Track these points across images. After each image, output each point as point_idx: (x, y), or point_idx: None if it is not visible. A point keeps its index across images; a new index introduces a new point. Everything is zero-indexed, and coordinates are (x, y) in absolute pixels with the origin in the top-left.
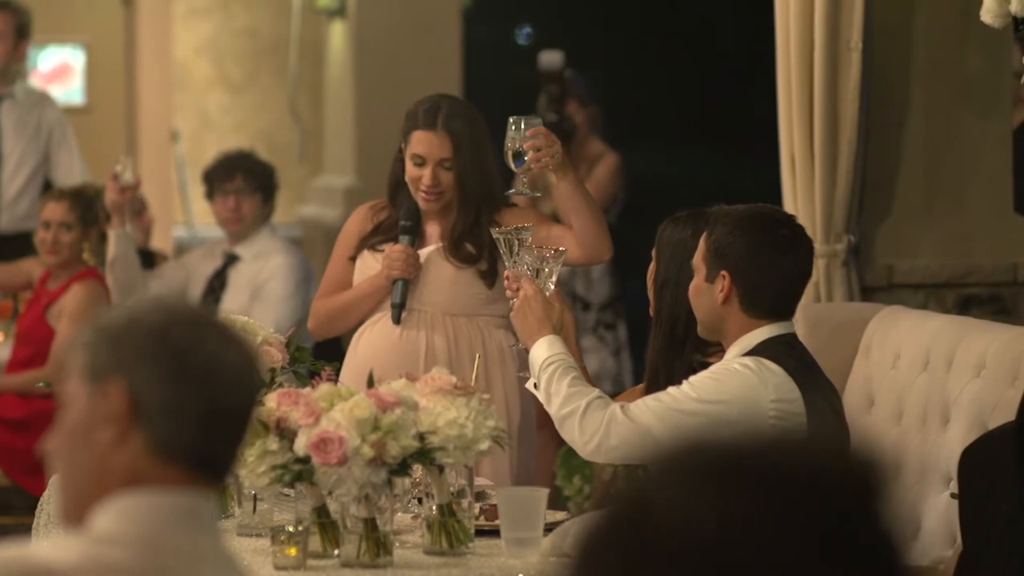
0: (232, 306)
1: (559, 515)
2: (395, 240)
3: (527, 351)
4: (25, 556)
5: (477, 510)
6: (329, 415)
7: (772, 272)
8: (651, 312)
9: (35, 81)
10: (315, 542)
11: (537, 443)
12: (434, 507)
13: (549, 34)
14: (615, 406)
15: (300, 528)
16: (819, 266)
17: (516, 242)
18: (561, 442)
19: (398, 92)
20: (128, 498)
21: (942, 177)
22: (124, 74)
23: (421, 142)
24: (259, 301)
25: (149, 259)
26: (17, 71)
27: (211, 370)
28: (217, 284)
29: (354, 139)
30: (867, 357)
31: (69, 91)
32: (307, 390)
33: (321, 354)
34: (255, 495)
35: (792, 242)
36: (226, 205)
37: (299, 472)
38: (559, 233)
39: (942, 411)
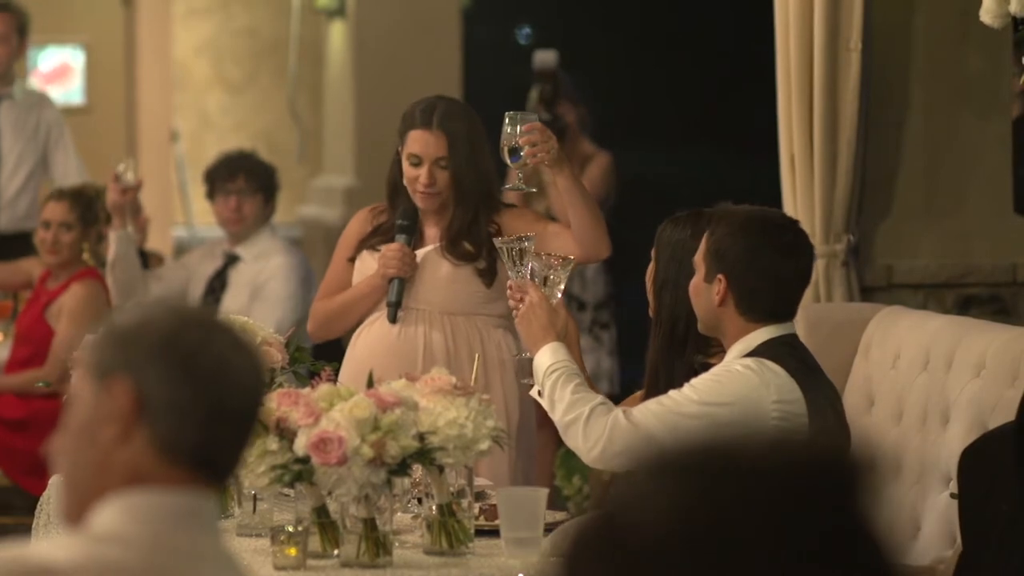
0: (232, 306)
1: (559, 515)
2: (392, 240)
3: (531, 360)
4: (24, 555)
5: (477, 510)
6: (329, 415)
7: (770, 276)
8: (651, 313)
9: (35, 81)
10: (315, 542)
11: (537, 443)
12: (434, 507)
13: (548, 34)
14: (618, 411)
15: (300, 528)
16: (819, 266)
17: (519, 251)
18: (560, 442)
19: (398, 92)
20: (129, 497)
21: (942, 177)
22: (124, 74)
23: (417, 141)
24: (259, 301)
25: (144, 260)
26: (16, 71)
27: (218, 372)
28: (217, 284)
29: (354, 139)
30: (867, 357)
31: (69, 91)
32: (307, 390)
33: (321, 354)
34: (255, 495)
35: (794, 247)
36: (227, 205)
37: (299, 472)
38: (555, 230)
39: (942, 411)
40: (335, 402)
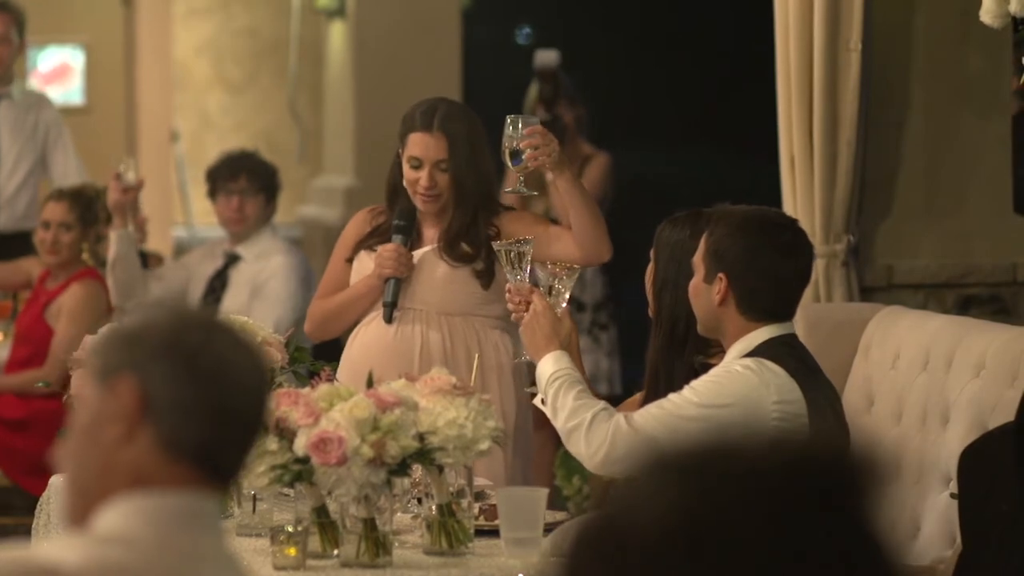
0: (232, 306)
1: (559, 515)
2: (390, 240)
3: (527, 364)
4: (29, 557)
5: (477, 510)
6: (328, 415)
7: (770, 276)
8: (650, 313)
9: (35, 81)
10: (315, 542)
11: (536, 443)
12: (434, 507)
13: (548, 34)
14: (619, 417)
15: (300, 528)
16: (819, 266)
17: (518, 254)
18: (560, 442)
19: (398, 92)
20: (133, 499)
21: (942, 177)
22: (124, 74)
23: (417, 144)
24: (259, 300)
25: (144, 260)
26: (14, 71)
27: (222, 372)
28: (218, 284)
29: (354, 139)
30: (867, 357)
31: (69, 91)
32: (306, 390)
33: (321, 354)
34: (255, 495)
35: (793, 246)
36: (229, 205)
37: (299, 472)
38: (555, 233)
39: (942, 411)
40: (335, 402)
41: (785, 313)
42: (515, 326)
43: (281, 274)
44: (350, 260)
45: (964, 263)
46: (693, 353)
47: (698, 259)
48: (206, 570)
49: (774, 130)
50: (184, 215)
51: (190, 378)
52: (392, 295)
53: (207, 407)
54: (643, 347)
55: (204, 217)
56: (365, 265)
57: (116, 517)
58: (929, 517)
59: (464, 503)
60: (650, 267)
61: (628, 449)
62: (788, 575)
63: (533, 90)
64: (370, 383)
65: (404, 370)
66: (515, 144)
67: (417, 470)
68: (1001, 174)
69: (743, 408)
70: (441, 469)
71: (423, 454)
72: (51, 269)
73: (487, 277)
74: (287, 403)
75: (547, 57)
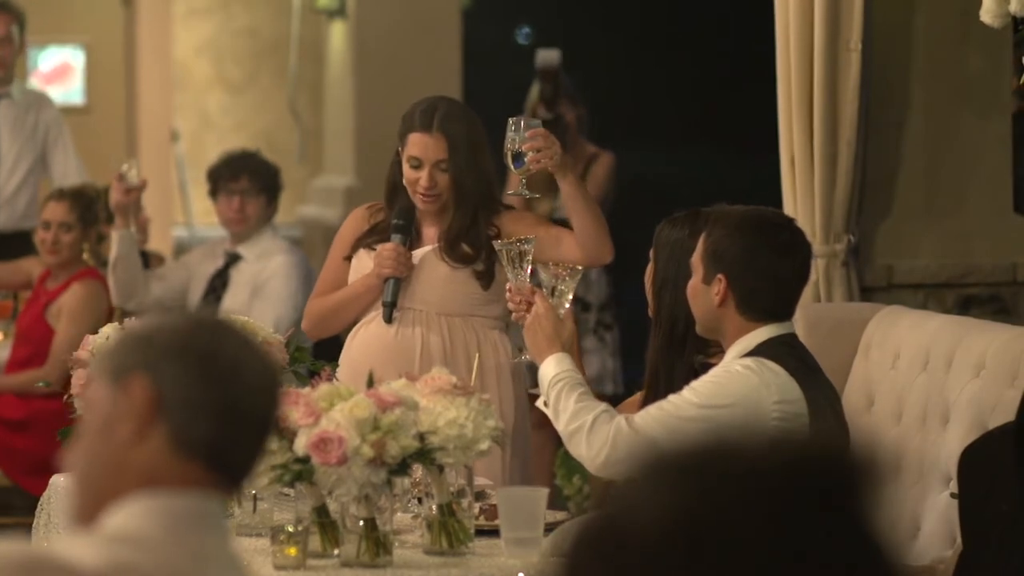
0: (232, 305)
1: (559, 515)
2: (389, 239)
3: (529, 364)
4: (47, 555)
5: (477, 510)
6: (329, 415)
7: (769, 275)
8: (650, 313)
9: (35, 81)
10: (315, 542)
11: (536, 443)
12: (434, 507)
13: (548, 34)
14: (620, 419)
15: (300, 528)
16: (819, 266)
17: (519, 254)
18: (560, 442)
19: (398, 92)
20: (145, 498)
21: (942, 177)
22: (124, 74)
23: (417, 144)
24: (260, 299)
25: (144, 260)
26: (14, 71)
27: (235, 373)
28: (219, 283)
29: (354, 139)
30: (867, 357)
31: (69, 91)
32: (307, 390)
33: (321, 354)
34: (255, 495)
35: (791, 246)
36: (231, 206)
37: (299, 472)
38: (555, 234)
39: (942, 411)
40: (335, 402)
41: (784, 312)
42: (514, 326)
43: (282, 273)
44: (348, 258)
45: (964, 263)
46: (693, 353)
47: (696, 260)
48: (212, 571)
49: (774, 130)
50: (184, 215)
51: (203, 378)
52: (392, 295)
53: (220, 407)
54: (644, 347)
55: (204, 217)
56: (364, 264)
57: (127, 517)
58: (929, 517)
59: (464, 503)
60: (650, 267)
61: (629, 451)
62: (788, 575)
63: (534, 89)
64: (370, 383)
65: (404, 371)
66: (517, 146)
67: (417, 470)
68: (1001, 174)
69: (743, 408)
70: (441, 469)
71: (423, 454)
72: (51, 269)
73: (487, 278)
74: (287, 403)
75: (549, 56)
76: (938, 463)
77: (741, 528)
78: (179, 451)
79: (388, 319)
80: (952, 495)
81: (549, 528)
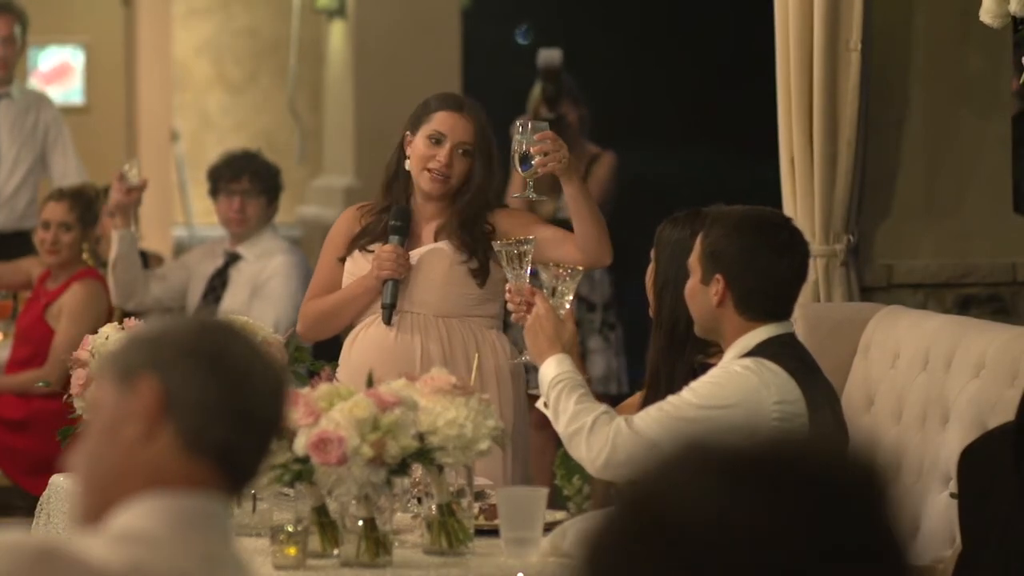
0: (232, 304)
1: (559, 515)
2: (385, 240)
3: (526, 365)
4: (60, 546)
5: (477, 510)
6: (329, 415)
7: (767, 275)
8: (651, 313)
9: (35, 81)
10: (315, 542)
11: (536, 443)
12: (434, 507)
13: (548, 34)
14: (620, 420)
15: (300, 528)
16: (818, 266)
17: (518, 254)
18: (560, 442)
19: (398, 92)
20: (153, 498)
21: (942, 177)
22: (124, 74)
23: (445, 121)
24: (259, 299)
25: (144, 260)
26: (14, 71)
27: (244, 374)
28: (218, 283)
29: (354, 139)
30: (866, 357)
31: (69, 91)
32: (307, 390)
33: (321, 354)
34: (255, 495)
35: (789, 245)
36: (231, 206)
37: (299, 472)
38: (552, 235)
39: (941, 411)
40: (335, 402)
41: (783, 312)
42: (515, 326)
43: (282, 273)
44: (342, 259)
45: (964, 263)
46: (693, 353)
47: (694, 261)
48: (220, 572)
49: (774, 130)
50: (184, 215)
51: (212, 378)
52: (391, 297)
53: (228, 407)
54: (645, 347)
55: (204, 217)
56: (360, 266)
57: (135, 516)
58: (928, 517)
59: (464, 503)
60: (650, 267)
61: (629, 453)
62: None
63: (536, 89)
64: (370, 383)
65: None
66: (525, 148)
67: (417, 470)
68: (1001, 174)
69: (743, 409)
70: (441, 469)
71: (423, 454)
72: (51, 269)
73: (482, 275)
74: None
75: (551, 56)
76: (938, 463)
77: (770, 528)
78: (187, 452)
79: (388, 321)
80: (952, 495)
81: (549, 528)
